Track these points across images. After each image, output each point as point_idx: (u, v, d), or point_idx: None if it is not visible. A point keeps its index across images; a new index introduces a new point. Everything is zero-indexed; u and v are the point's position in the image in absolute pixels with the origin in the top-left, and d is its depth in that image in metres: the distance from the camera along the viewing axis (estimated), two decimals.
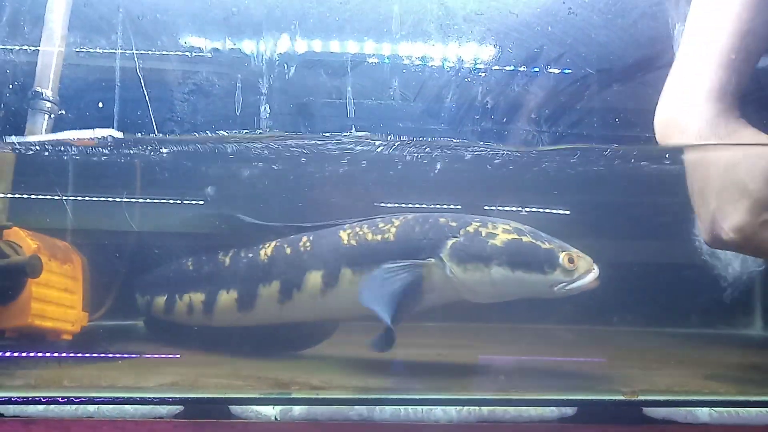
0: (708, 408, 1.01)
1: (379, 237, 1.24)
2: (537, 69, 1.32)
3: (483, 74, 1.34)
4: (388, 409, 0.98)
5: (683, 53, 1.12)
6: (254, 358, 1.34)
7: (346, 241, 1.28)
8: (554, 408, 0.99)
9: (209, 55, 1.54)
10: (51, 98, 1.41)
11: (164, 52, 1.54)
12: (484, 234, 1.17)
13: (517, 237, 1.16)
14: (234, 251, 1.45)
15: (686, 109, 1.09)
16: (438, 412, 0.99)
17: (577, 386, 1.16)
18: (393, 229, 1.24)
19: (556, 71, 1.33)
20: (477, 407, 0.99)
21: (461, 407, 0.99)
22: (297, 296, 1.30)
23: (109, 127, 1.30)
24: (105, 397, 0.98)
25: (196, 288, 1.45)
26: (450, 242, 1.17)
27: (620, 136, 1.12)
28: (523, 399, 1.02)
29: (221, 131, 1.27)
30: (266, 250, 1.39)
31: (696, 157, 1.09)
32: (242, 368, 1.25)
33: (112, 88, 1.50)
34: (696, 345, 1.78)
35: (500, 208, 1.51)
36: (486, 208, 1.67)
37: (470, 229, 1.18)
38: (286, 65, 1.45)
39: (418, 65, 1.37)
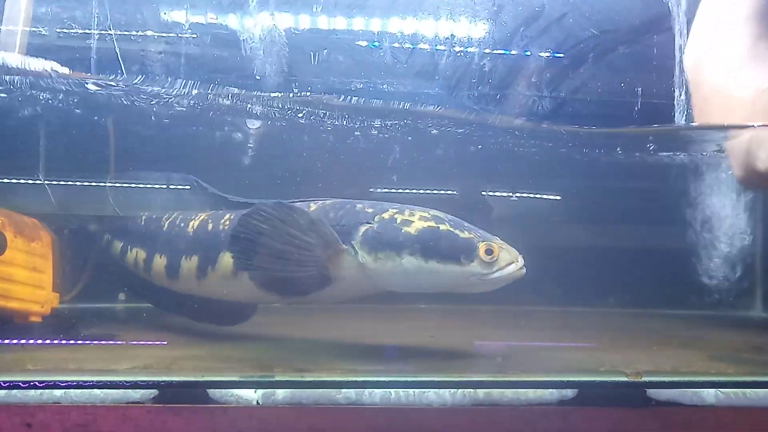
0: (714, 389, 0.96)
1: None
2: (538, 29, 1.25)
3: (480, 35, 1.27)
4: (378, 392, 0.93)
5: None
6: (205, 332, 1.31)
7: None
8: (554, 390, 0.95)
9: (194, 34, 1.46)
10: None
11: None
12: (398, 221, 1.11)
13: (434, 225, 1.10)
14: (174, 216, 1.43)
15: (721, 36, 0.99)
16: (431, 395, 0.93)
17: (577, 367, 1.11)
18: None
19: (558, 32, 1.26)
20: (472, 390, 0.94)
21: (455, 390, 0.94)
22: (211, 274, 1.26)
23: None
24: (72, 381, 0.92)
25: (141, 244, 1.44)
26: (363, 229, 1.12)
27: (625, 102, 1.06)
28: (520, 381, 0.97)
29: None
30: (194, 223, 1.35)
31: (726, 83, 0.99)
32: (222, 349, 1.19)
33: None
34: (697, 326, 1.75)
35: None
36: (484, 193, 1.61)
37: (386, 216, 1.13)
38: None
39: (410, 28, 1.30)
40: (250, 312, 1.39)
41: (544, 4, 1.20)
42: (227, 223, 1.28)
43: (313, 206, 1.21)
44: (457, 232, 1.09)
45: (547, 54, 1.30)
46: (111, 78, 1.24)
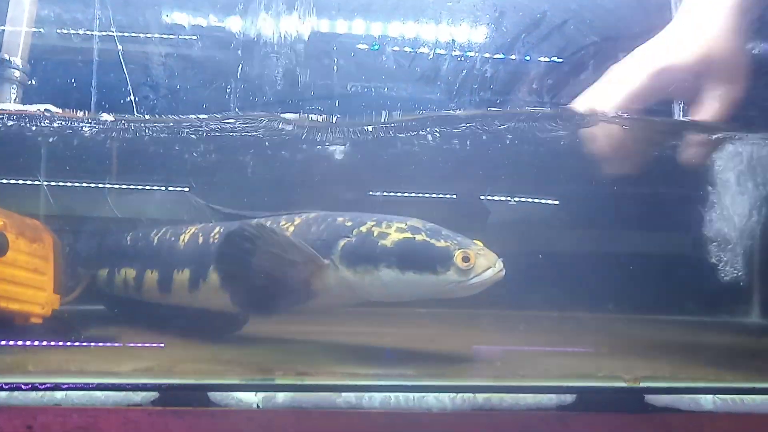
0: (712, 395, 0.97)
1: None
2: (539, 35, 1.26)
3: (482, 40, 1.27)
4: (378, 397, 0.93)
5: None
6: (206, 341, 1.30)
7: None
8: (553, 395, 0.95)
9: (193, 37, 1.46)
10: (20, 66, 1.33)
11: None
12: (375, 234, 1.12)
13: (410, 236, 1.11)
14: (164, 231, 1.44)
15: None
16: (430, 399, 0.94)
17: (576, 372, 1.11)
18: (291, 228, 1.21)
19: (559, 39, 1.27)
20: (472, 394, 0.94)
21: (455, 394, 0.94)
22: (203, 286, 1.28)
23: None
24: (73, 383, 0.92)
25: (130, 264, 1.44)
26: (342, 243, 1.13)
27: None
28: (520, 386, 0.97)
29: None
30: (184, 236, 1.37)
31: None
32: (223, 352, 1.19)
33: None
34: (695, 332, 1.76)
35: None
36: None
37: (363, 229, 1.13)
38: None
39: (412, 33, 1.31)
40: (242, 321, 1.40)
41: (545, 11, 1.21)
42: (217, 236, 1.29)
43: (297, 219, 1.22)
44: (432, 241, 1.09)
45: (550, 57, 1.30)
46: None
